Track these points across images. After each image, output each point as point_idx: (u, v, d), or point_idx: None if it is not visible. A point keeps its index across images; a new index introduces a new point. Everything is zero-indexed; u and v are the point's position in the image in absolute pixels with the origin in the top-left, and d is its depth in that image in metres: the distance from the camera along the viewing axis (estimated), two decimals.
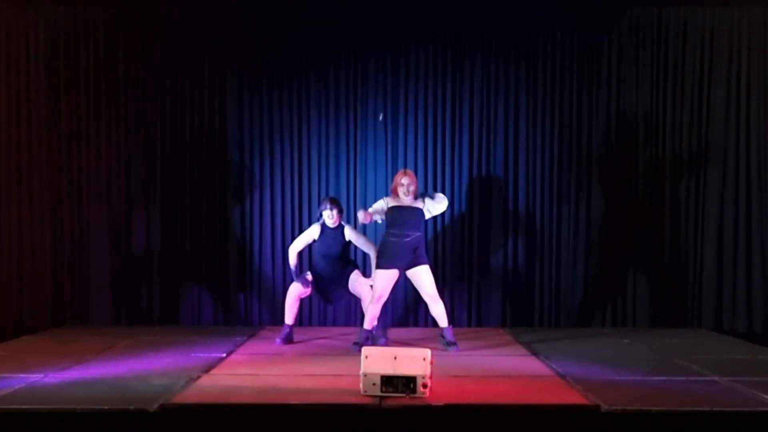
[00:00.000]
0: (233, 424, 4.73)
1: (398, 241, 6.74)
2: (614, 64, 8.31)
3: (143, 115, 8.27)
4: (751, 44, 8.27)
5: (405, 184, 6.83)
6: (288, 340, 7.16)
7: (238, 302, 8.31)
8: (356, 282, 7.15)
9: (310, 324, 8.24)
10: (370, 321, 6.87)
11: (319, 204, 7.45)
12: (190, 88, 8.29)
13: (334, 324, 8.28)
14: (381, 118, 8.25)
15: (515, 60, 8.33)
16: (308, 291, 7.22)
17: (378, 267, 6.82)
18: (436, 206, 6.95)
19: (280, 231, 8.29)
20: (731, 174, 8.27)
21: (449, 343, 6.79)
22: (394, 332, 7.80)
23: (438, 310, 6.86)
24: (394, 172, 8.20)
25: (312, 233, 7.22)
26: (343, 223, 7.21)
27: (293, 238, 7.96)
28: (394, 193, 6.90)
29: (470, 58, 8.31)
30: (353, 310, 8.28)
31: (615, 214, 8.33)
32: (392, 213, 6.83)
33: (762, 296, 8.20)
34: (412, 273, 6.81)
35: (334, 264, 7.15)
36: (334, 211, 7.08)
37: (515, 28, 8.33)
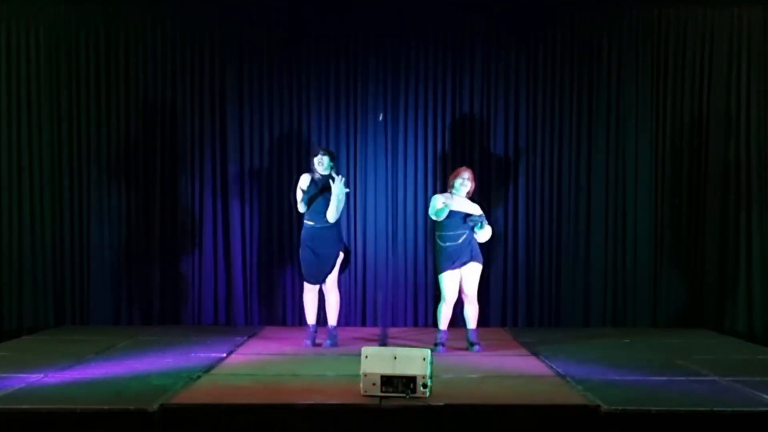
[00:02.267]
0: (233, 424, 4.73)
1: (453, 243, 6.78)
2: (614, 64, 8.32)
3: (143, 115, 8.27)
4: (751, 44, 8.27)
5: (459, 181, 6.87)
6: (314, 340, 7.09)
7: (238, 302, 8.31)
8: (335, 271, 7.05)
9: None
10: (444, 322, 6.90)
11: (310, 153, 7.29)
12: (191, 88, 8.30)
13: None
14: (381, 118, 8.26)
15: (515, 59, 8.33)
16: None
17: (441, 270, 6.85)
18: (478, 235, 6.89)
19: (278, 230, 8.29)
20: (732, 173, 8.27)
21: (472, 344, 6.87)
22: (394, 332, 7.81)
23: (471, 311, 6.93)
24: (395, 172, 8.26)
25: (302, 183, 7.07)
26: (334, 174, 7.04)
27: (293, 238, 7.97)
28: (451, 190, 6.90)
29: (470, 58, 8.32)
30: (353, 309, 8.30)
31: (614, 214, 8.33)
32: (449, 215, 6.81)
33: (762, 296, 8.20)
34: (463, 269, 6.84)
35: (318, 220, 6.95)
36: (325, 158, 7.02)
37: (515, 27, 8.33)
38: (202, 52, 8.29)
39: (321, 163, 7.04)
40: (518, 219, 8.33)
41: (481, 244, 6.98)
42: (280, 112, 8.34)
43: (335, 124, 8.33)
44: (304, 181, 7.10)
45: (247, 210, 8.33)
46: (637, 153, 8.32)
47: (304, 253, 7.10)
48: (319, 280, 7.08)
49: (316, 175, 7.07)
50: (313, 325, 7.14)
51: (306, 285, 7.13)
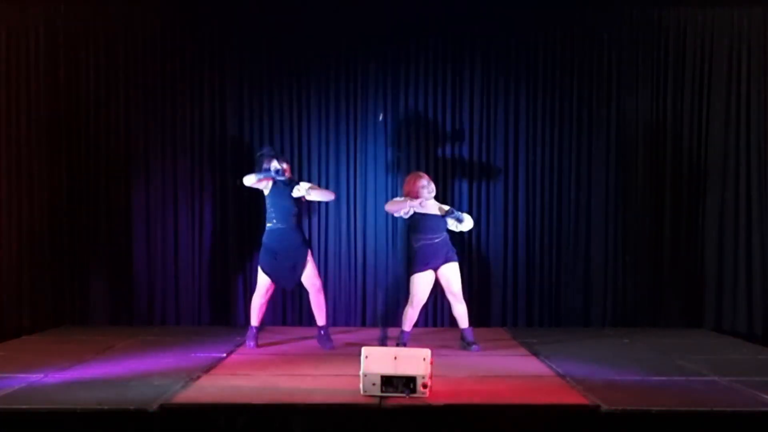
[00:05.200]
0: (233, 424, 4.73)
1: (430, 243, 6.78)
2: (614, 64, 8.32)
3: (143, 115, 8.28)
4: (751, 44, 8.27)
5: (426, 185, 6.83)
6: (253, 340, 7.02)
7: (238, 302, 8.30)
8: (309, 273, 7.01)
9: (309, 324, 8.23)
10: (409, 323, 6.87)
11: (263, 158, 7.14)
12: (190, 88, 8.29)
13: (334, 324, 8.23)
14: (381, 118, 8.26)
15: (515, 60, 8.33)
16: (272, 288, 7.09)
17: (414, 271, 6.84)
18: (460, 226, 6.89)
19: None
20: (731, 173, 8.27)
21: (469, 343, 6.84)
22: (393, 332, 7.80)
23: (460, 310, 6.90)
24: (395, 172, 8.25)
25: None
26: (295, 179, 7.10)
27: None
28: (414, 196, 6.82)
29: (470, 59, 8.31)
30: (353, 309, 8.29)
31: (615, 214, 8.33)
32: (418, 220, 6.84)
33: (762, 296, 8.20)
34: (442, 271, 6.83)
35: (287, 222, 6.96)
36: (283, 164, 6.98)
37: (515, 28, 8.33)
38: (202, 53, 8.28)
39: (278, 168, 6.97)
40: (518, 219, 8.33)
41: (462, 243, 6.89)
42: (280, 112, 8.33)
43: (335, 125, 8.32)
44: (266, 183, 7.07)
45: (246, 209, 8.32)
46: (636, 152, 8.31)
47: (266, 257, 7.01)
48: (289, 285, 7.10)
49: (278, 177, 6.99)
50: (254, 327, 7.06)
51: (258, 287, 7.06)
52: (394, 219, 8.31)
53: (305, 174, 8.27)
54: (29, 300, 8.22)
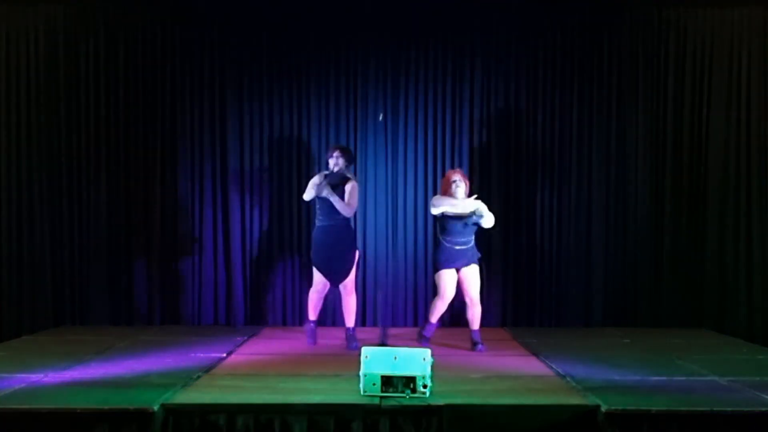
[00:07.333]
0: (233, 424, 4.73)
1: (458, 248, 6.87)
2: (614, 63, 8.32)
3: (143, 115, 8.27)
4: (751, 44, 8.27)
5: (457, 180, 6.90)
6: (312, 337, 7.12)
7: (238, 302, 8.30)
8: (350, 274, 7.06)
9: None
10: (435, 315, 6.99)
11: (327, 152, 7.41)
12: (190, 88, 8.29)
13: (334, 324, 8.25)
14: (381, 118, 8.26)
15: (515, 60, 8.33)
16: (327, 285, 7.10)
17: (440, 268, 6.93)
18: (482, 223, 6.96)
19: (278, 230, 8.29)
20: (732, 173, 8.27)
21: (475, 343, 6.90)
22: (394, 332, 7.80)
23: (473, 312, 6.97)
24: (395, 172, 8.26)
25: (314, 180, 7.15)
26: (349, 176, 7.11)
27: (293, 237, 8.00)
28: (447, 195, 6.92)
29: (470, 59, 8.32)
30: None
31: (615, 214, 8.34)
32: (447, 221, 6.89)
33: (762, 296, 8.20)
34: (464, 272, 6.90)
35: (332, 217, 6.98)
36: (341, 159, 7.05)
37: (515, 28, 8.33)
38: (202, 53, 8.28)
39: (337, 164, 7.08)
40: (519, 219, 8.33)
41: (478, 246, 7.00)
42: (280, 111, 8.34)
43: (335, 124, 8.33)
44: (316, 178, 7.16)
45: (247, 210, 8.33)
46: (637, 153, 8.32)
47: (318, 253, 7.09)
48: (338, 280, 7.05)
49: (334, 170, 7.09)
50: (314, 322, 7.15)
51: (314, 284, 7.09)
52: (394, 218, 8.32)
53: (304, 174, 8.26)
54: (29, 300, 8.22)
